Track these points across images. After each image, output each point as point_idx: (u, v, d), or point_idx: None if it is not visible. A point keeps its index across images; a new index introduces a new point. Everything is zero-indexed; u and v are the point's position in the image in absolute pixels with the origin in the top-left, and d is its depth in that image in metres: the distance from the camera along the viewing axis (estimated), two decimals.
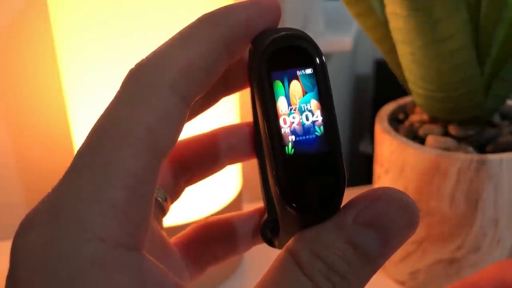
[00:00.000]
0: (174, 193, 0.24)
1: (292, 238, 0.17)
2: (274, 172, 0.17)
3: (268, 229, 0.23)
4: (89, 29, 0.37)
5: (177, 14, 0.36)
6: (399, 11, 0.37)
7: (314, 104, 0.17)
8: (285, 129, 0.17)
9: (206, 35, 0.17)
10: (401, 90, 0.46)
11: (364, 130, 1.24)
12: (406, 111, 0.47)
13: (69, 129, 0.45)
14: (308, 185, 0.16)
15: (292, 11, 0.66)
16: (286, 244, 0.17)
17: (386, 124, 0.43)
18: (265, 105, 0.17)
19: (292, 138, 0.17)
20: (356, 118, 1.31)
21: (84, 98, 0.40)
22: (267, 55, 0.17)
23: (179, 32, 0.18)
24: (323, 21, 0.84)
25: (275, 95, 0.17)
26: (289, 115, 0.17)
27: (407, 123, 0.45)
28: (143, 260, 0.16)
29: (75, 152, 0.45)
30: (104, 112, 0.17)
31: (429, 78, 0.39)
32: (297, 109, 0.17)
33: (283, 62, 0.17)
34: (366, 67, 1.23)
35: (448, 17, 0.35)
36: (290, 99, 0.17)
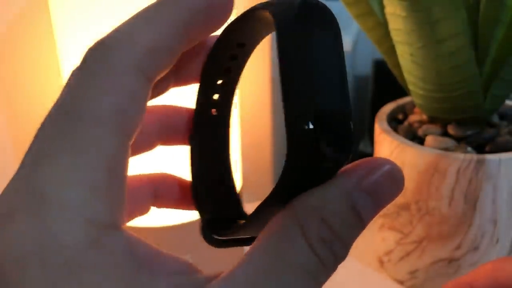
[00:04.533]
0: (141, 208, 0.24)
1: (295, 203, 0.17)
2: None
3: (212, 228, 0.21)
4: (90, 29, 0.37)
5: None
6: (398, 12, 0.37)
7: None
8: None
9: (169, 17, 0.17)
10: (400, 90, 0.46)
11: (363, 130, 1.24)
12: (405, 111, 0.47)
13: None
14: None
15: None
16: (289, 209, 0.17)
17: (385, 124, 0.43)
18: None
19: None
20: (356, 118, 1.31)
21: None
22: None
23: (139, 12, 0.18)
24: None
25: None
26: None
27: (406, 123, 0.45)
28: (130, 237, 0.16)
29: None
30: (67, 90, 0.17)
31: (428, 78, 0.39)
32: None
33: None
34: (365, 68, 1.23)
35: (447, 18, 0.36)
36: None
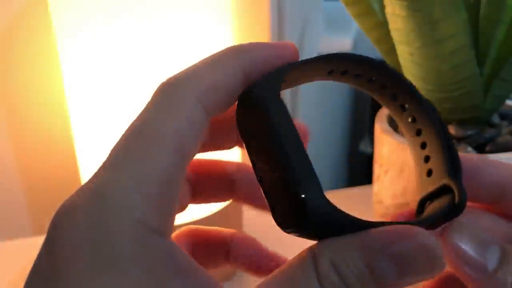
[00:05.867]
0: (180, 206, 0.26)
1: (318, 242, 0.18)
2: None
3: None
4: (91, 29, 0.37)
5: (178, 15, 0.36)
6: (398, 11, 0.37)
7: None
8: None
9: (231, 62, 0.20)
10: None
11: (363, 130, 1.24)
12: None
13: (70, 129, 0.45)
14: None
15: (292, 12, 0.66)
16: (311, 246, 0.18)
17: (385, 124, 0.43)
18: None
19: None
20: (356, 119, 1.31)
21: (85, 98, 0.40)
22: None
23: (208, 56, 0.21)
24: (323, 21, 0.84)
25: None
26: None
27: None
28: (174, 245, 0.18)
29: (76, 152, 0.45)
30: (138, 116, 0.20)
31: (428, 78, 0.39)
32: None
33: None
34: None
35: (448, 17, 0.36)
36: None
